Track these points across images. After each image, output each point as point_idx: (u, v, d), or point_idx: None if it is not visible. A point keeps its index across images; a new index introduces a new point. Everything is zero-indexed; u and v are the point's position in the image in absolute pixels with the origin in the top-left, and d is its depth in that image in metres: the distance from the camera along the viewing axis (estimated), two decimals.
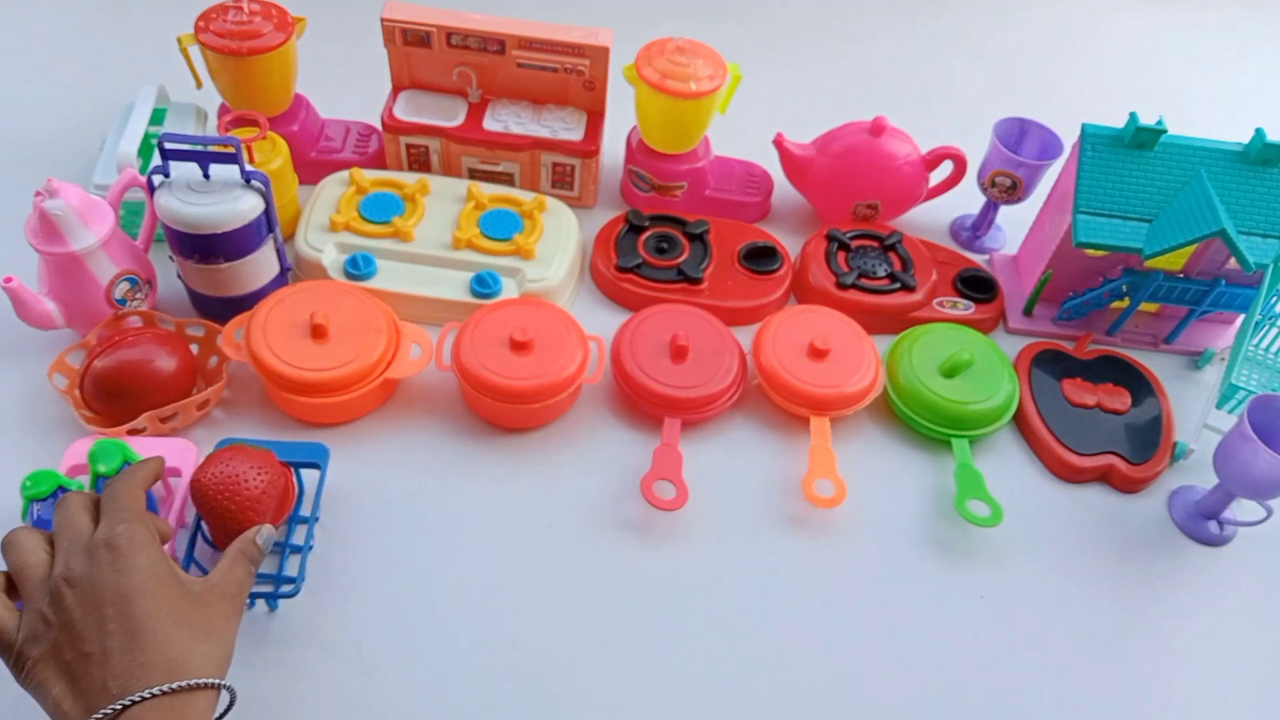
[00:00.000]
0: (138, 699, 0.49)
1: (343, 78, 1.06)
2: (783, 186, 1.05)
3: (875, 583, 0.78)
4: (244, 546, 0.60)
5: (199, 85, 0.97)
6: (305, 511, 0.74)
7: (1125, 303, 0.94)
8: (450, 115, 0.99)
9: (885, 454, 0.87)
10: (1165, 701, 0.74)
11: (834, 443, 0.83)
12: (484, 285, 0.89)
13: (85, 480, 0.70)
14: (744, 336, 0.90)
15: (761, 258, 0.97)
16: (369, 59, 1.01)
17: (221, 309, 0.85)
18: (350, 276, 0.89)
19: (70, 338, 0.83)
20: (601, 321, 0.92)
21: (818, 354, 0.86)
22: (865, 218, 1.03)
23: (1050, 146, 0.99)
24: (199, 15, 0.91)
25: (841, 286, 0.95)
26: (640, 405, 0.84)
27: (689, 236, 0.98)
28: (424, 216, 0.94)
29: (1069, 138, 0.95)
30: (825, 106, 1.09)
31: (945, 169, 1.03)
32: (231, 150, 0.78)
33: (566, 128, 0.98)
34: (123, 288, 0.82)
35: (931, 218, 1.08)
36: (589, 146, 0.98)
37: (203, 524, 0.70)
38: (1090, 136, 0.90)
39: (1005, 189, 1.00)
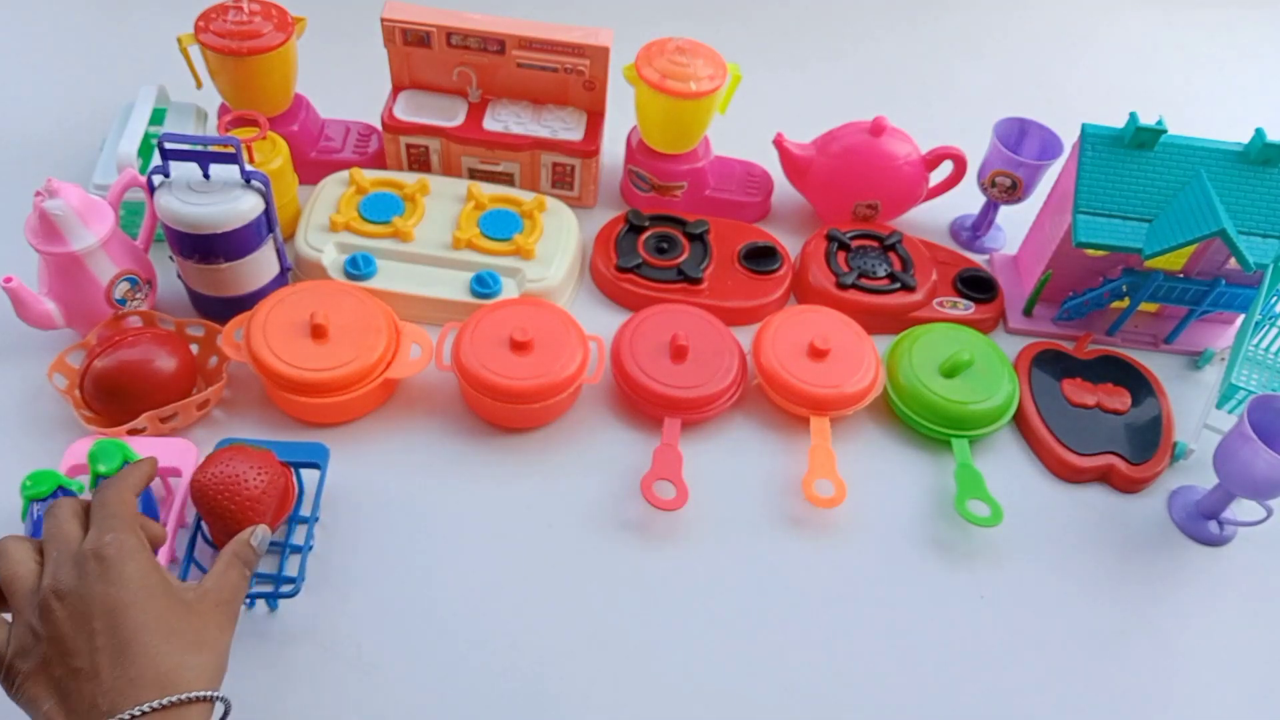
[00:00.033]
0: (127, 717, 0.48)
1: (343, 78, 1.06)
2: (783, 186, 1.05)
3: (875, 583, 0.78)
4: (238, 549, 0.58)
5: (199, 85, 0.97)
6: (305, 511, 0.74)
7: (1125, 303, 0.94)
8: (450, 115, 0.99)
9: (885, 454, 0.87)
10: (1165, 701, 0.74)
11: (834, 443, 0.83)
12: (484, 285, 0.89)
13: (85, 480, 0.70)
14: (744, 336, 0.90)
15: (761, 258, 0.97)
16: (369, 59, 1.01)
17: (221, 309, 0.85)
18: (350, 276, 0.89)
19: (70, 338, 0.83)
20: (601, 321, 0.92)
21: (818, 354, 0.86)
22: (865, 218, 1.03)
23: (1050, 146, 0.99)
24: (199, 15, 0.91)
25: (841, 286, 0.95)
26: (640, 405, 0.84)
27: (689, 236, 0.98)
28: (424, 216, 0.94)
29: (1069, 138, 0.95)
30: (825, 106, 1.09)
31: (945, 169, 1.03)
32: (231, 150, 0.78)
33: (566, 128, 0.98)
34: (123, 288, 0.82)
35: (931, 218, 1.08)
36: (589, 146, 0.98)
37: (203, 524, 0.70)
38: (1090, 136, 0.90)
39: (1005, 189, 1.00)
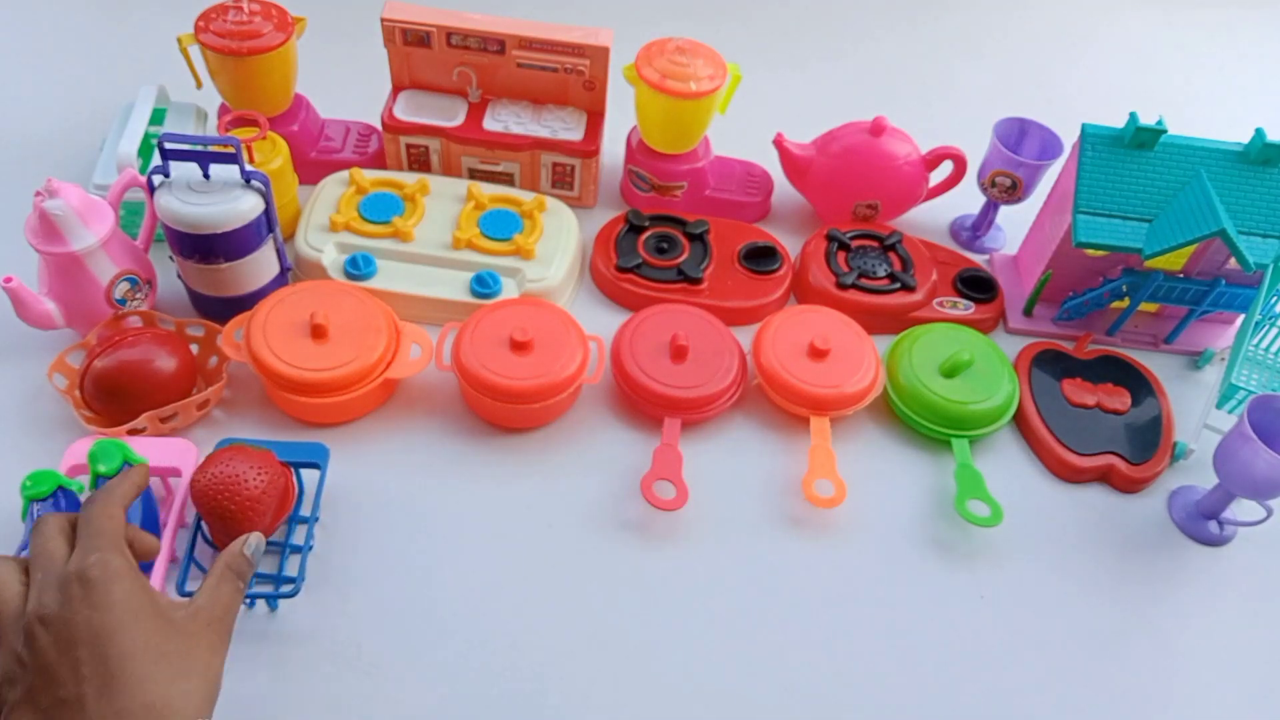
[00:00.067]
0: None
1: (343, 78, 1.06)
2: (783, 186, 1.05)
3: (875, 583, 0.78)
4: (231, 560, 0.56)
5: (199, 85, 0.97)
6: (305, 511, 0.74)
7: (1125, 303, 0.94)
8: (450, 115, 0.99)
9: (885, 454, 0.87)
10: (1165, 701, 0.74)
11: (834, 443, 0.83)
12: (484, 285, 0.89)
13: (85, 480, 0.70)
14: (744, 336, 0.90)
15: (761, 258, 0.97)
16: (369, 59, 1.01)
17: (221, 309, 0.85)
18: (350, 276, 0.89)
19: (70, 338, 0.83)
20: (601, 321, 0.92)
21: (818, 354, 0.86)
22: (865, 218, 1.03)
23: (1050, 146, 0.99)
24: (199, 15, 0.91)
25: (841, 286, 0.95)
26: (640, 405, 0.84)
27: (689, 236, 0.98)
28: (424, 216, 0.94)
29: (1069, 138, 0.95)
30: (825, 106, 1.09)
31: (945, 169, 1.03)
32: (231, 150, 0.78)
33: (566, 128, 0.98)
34: (123, 288, 0.82)
35: (931, 218, 1.08)
36: (589, 146, 0.98)
37: (203, 524, 0.70)
38: (1090, 136, 0.90)
39: (1005, 189, 1.00)
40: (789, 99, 1.19)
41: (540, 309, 0.85)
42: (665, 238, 0.97)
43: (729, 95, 0.97)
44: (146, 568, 0.67)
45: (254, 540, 0.58)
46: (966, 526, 0.81)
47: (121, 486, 0.57)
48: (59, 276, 0.80)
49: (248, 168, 0.80)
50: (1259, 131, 0.88)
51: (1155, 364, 0.95)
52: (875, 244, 0.99)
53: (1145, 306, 0.98)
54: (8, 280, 0.77)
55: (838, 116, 1.02)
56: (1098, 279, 0.94)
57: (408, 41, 0.96)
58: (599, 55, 0.95)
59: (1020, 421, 0.89)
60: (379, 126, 1.00)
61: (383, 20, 0.94)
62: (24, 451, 0.77)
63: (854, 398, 0.85)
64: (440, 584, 0.74)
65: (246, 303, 0.84)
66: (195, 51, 0.93)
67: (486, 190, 0.96)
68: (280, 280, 0.88)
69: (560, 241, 0.93)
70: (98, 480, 0.69)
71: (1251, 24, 1.48)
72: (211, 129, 1.02)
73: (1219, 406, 0.86)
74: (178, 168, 0.80)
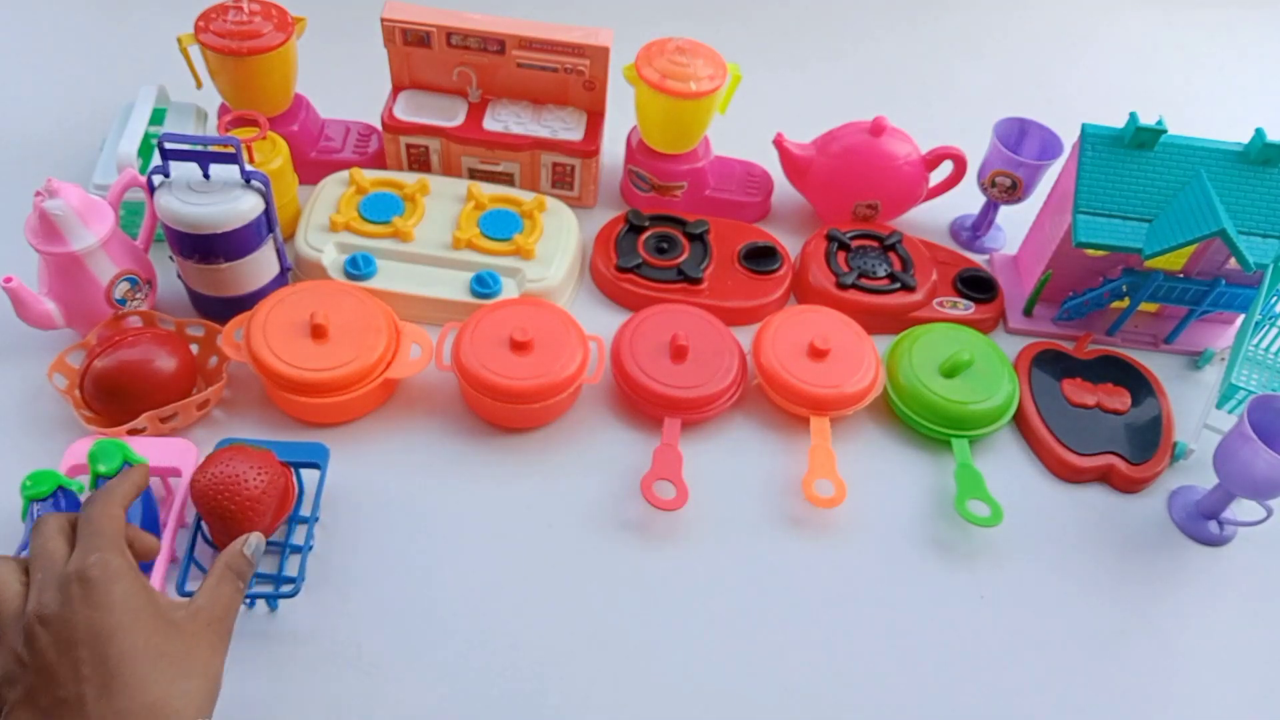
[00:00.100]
0: None
1: (343, 78, 1.06)
2: (783, 186, 1.05)
3: (875, 583, 0.78)
4: (231, 560, 0.56)
5: (199, 85, 0.97)
6: (305, 511, 0.74)
7: (1125, 303, 0.94)
8: (450, 115, 0.99)
9: (885, 454, 0.87)
10: (1165, 701, 0.74)
11: (834, 443, 0.83)
12: (484, 285, 0.89)
13: (86, 480, 0.70)
14: (744, 336, 0.90)
15: (761, 257, 0.97)
16: (369, 59, 1.01)
17: (221, 309, 0.85)
18: (350, 276, 0.89)
19: (70, 337, 0.83)
20: (601, 321, 0.92)
21: (818, 354, 0.86)
22: (865, 217, 1.03)
23: (1050, 146, 0.99)
24: (199, 15, 0.91)
25: (841, 286, 0.95)
26: (640, 405, 0.84)
27: (689, 236, 0.98)
28: (424, 216, 0.94)
29: (1069, 138, 0.95)
30: (825, 106, 1.09)
31: (945, 169, 1.03)
32: (231, 150, 0.78)
33: (566, 128, 0.98)
34: (123, 287, 0.82)
35: (931, 218, 1.08)
36: (589, 146, 0.98)
37: (203, 524, 0.70)
38: (1090, 136, 0.90)
39: (1005, 189, 1.00)
40: (789, 99, 1.19)
41: (540, 309, 0.85)
42: (665, 238, 0.97)
43: (729, 95, 0.97)
44: (146, 568, 0.67)
45: (254, 540, 0.58)
46: (966, 526, 0.81)
47: (121, 487, 0.57)
48: (59, 276, 0.80)
49: (248, 168, 0.80)
50: (1259, 131, 0.88)
51: (1155, 364, 0.95)
52: (875, 244, 0.99)
53: (1145, 306, 0.98)
54: (8, 280, 0.77)
55: (838, 116, 1.02)
56: (1098, 279, 0.94)
57: (408, 41, 0.96)
58: (599, 55, 0.95)
59: (1020, 421, 0.89)
60: (379, 126, 1.00)
61: (383, 20, 0.94)
62: (24, 451, 0.77)
63: (854, 398, 0.85)
64: (440, 584, 0.74)
65: (246, 303, 0.84)
66: (195, 51, 0.93)
67: (486, 190, 0.96)
68: (280, 280, 0.88)
69: (560, 241, 0.93)
70: (98, 480, 0.69)
71: (1251, 24, 1.48)
72: (211, 129, 1.02)
73: (1219, 406, 0.86)
74: (178, 168, 0.80)
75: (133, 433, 0.77)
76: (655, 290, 0.93)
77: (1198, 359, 0.98)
